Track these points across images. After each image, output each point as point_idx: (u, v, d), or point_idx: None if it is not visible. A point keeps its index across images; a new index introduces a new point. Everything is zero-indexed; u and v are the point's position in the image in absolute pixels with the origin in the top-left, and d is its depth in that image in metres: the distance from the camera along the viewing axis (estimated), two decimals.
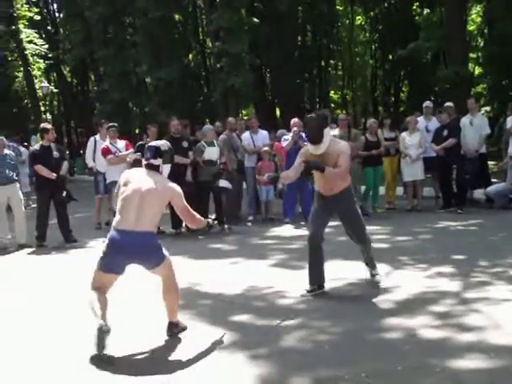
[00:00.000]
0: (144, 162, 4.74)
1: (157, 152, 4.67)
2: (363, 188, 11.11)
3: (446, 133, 10.60)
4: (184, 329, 4.79)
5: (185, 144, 9.85)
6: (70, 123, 41.88)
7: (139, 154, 9.42)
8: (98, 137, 11.14)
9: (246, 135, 11.10)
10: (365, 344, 4.35)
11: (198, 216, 4.91)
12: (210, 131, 9.99)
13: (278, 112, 30.54)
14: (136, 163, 9.43)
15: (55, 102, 41.82)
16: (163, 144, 4.81)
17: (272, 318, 5.08)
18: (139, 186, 4.51)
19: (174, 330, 4.74)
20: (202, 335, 4.72)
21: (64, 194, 9.17)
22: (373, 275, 6.20)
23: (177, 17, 26.91)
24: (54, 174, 9.18)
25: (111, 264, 4.45)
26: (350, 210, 5.87)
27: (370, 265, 6.25)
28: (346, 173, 5.71)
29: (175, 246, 8.48)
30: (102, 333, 4.11)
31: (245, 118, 22.32)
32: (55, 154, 9.40)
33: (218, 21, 19.32)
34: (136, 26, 26.96)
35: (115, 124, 10.49)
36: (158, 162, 4.66)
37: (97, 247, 9.03)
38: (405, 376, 3.77)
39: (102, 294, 4.44)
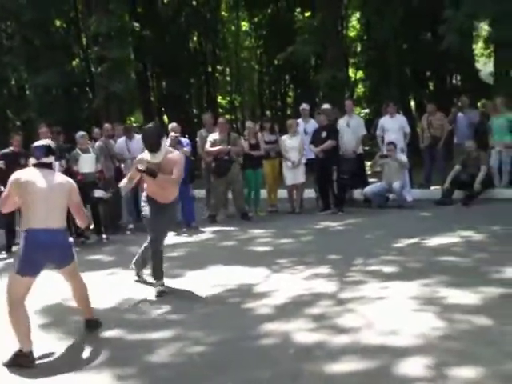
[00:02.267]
0: (34, 162, 4.71)
1: (48, 150, 4.72)
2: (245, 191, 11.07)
3: (324, 134, 10.68)
4: (99, 323, 5.04)
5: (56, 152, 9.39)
6: None
7: (2, 162, 9.00)
8: None
9: (120, 141, 10.78)
10: (239, 353, 4.26)
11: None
12: (82, 138, 9.58)
13: (165, 117, 30.16)
14: None
15: None
16: (51, 142, 4.95)
17: (145, 331, 4.88)
18: (40, 185, 4.50)
19: (94, 325, 5.00)
20: (69, 353, 4.51)
21: None
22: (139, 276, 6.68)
23: (58, 22, 25.91)
24: None
25: (30, 266, 4.42)
26: (174, 216, 6.50)
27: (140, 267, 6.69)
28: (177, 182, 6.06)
29: None
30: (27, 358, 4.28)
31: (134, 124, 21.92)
32: None
33: (96, 26, 18.72)
34: (11, 30, 25.69)
35: None
36: (50, 159, 4.71)
37: None
38: (274, 383, 3.70)
39: (23, 311, 4.40)
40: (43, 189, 4.48)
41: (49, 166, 4.70)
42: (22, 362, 4.26)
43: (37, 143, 4.86)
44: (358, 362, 3.91)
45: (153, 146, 5.80)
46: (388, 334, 4.31)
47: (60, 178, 4.76)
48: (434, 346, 4.05)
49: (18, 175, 4.60)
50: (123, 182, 6.26)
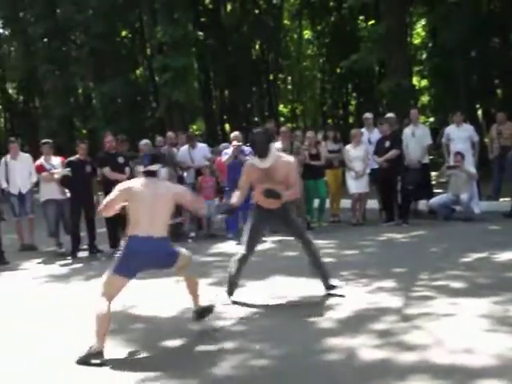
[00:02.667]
0: (142, 170, 4.98)
1: (154, 158, 4.98)
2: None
3: (387, 144, 10.51)
4: (211, 309, 5.31)
5: (120, 160, 9.50)
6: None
7: (68, 169, 9.18)
8: (8, 157, 10.62)
9: (182, 150, 10.85)
10: (302, 367, 4.14)
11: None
12: (146, 146, 9.68)
13: (227, 126, 30.41)
14: (65, 179, 9.24)
15: (1, 119, 40.81)
16: (160, 151, 5.60)
17: (207, 342, 4.84)
18: (145, 194, 4.73)
19: (206, 310, 5.26)
20: (129, 362, 4.49)
21: None
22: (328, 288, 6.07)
23: (124, 32, 26.59)
24: None
25: (128, 269, 4.67)
26: (291, 218, 6.07)
27: (324, 277, 6.10)
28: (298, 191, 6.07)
29: (109, 265, 8.14)
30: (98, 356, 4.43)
31: (196, 132, 22.20)
32: None
33: (161, 35, 19.05)
34: (80, 41, 26.50)
35: (49, 140, 10.18)
36: (155, 167, 4.92)
37: (31, 269, 8.65)
38: None
39: (108, 311, 4.56)
40: (148, 197, 4.71)
41: (154, 173, 4.91)
42: (93, 359, 4.42)
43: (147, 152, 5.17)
44: (428, 381, 3.72)
45: (261, 151, 5.75)
46: (460, 353, 4.11)
47: (163, 186, 4.94)
48: (511, 368, 3.84)
49: (129, 184, 4.90)
50: (235, 198, 6.02)
